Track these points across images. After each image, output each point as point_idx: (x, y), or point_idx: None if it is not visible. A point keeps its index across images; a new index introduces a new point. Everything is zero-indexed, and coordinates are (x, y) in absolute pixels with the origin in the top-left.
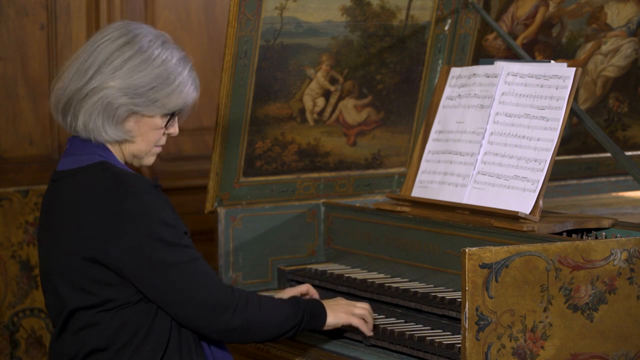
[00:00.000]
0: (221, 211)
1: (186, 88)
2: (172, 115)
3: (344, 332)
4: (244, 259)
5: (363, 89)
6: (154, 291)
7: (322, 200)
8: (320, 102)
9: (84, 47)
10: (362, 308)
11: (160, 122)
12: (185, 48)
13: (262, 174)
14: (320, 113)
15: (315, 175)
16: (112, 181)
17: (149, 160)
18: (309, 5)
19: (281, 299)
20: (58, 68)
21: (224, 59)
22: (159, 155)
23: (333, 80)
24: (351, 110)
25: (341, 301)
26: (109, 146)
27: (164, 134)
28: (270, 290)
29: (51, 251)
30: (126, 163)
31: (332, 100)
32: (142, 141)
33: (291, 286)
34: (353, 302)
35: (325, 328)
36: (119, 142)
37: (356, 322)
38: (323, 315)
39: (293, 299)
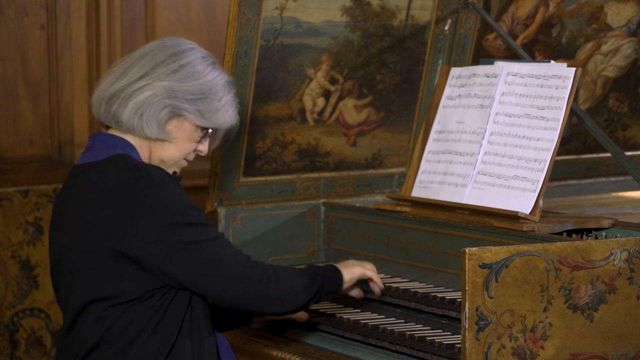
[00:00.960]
0: (221, 211)
1: (230, 109)
2: (207, 132)
3: (345, 332)
4: None
5: (363, 89)
6: (184, 273)
7: (322, 200)
8: (320, 102)
9: (138, 51)
10: (370, 264)
11: (197, 134)
12: None
13: (262, 174)
14: (320, 113)
15: (315, 175)
16: (133, 172)
17: (171, 170)
18: (309, 5)
19: (298, 269)
20: (58, 68)
21: (224, 59)
22: None
23: (333, 80)
24: (351, 110)
25: (351, 260)
26: (137, 143)
27: (195, 150)
28: None
29: (65, 246)
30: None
31: (332, 100)
32: (176, 148)
33: None
34: (361, 261)
35: (345, 286)
36: (153, 142)
37: (370, 274)
38: (339, 275)
39: (309, 267)
